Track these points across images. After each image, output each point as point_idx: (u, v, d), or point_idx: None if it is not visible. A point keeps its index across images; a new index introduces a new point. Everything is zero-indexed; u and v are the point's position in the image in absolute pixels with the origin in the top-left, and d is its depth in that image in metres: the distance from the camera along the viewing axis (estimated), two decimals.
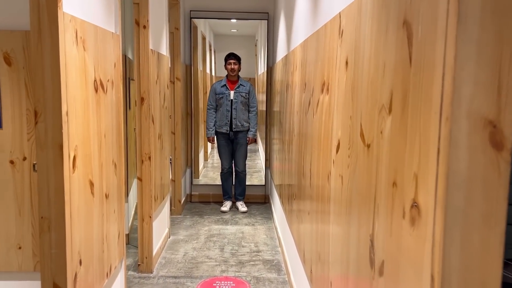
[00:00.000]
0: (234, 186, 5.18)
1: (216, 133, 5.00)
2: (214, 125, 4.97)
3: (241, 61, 5.00)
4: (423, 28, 0.86)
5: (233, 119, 4.93)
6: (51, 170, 1.60)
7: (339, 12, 1.59)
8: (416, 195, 0.88)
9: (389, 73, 1.05)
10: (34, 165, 1.63)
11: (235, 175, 5.14)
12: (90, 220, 1.92)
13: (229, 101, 4.92)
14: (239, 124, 4.95)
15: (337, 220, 1.56)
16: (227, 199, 5.13)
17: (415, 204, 0.89)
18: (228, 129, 4.94)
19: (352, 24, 1.41)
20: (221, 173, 5.17)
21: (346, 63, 1.46)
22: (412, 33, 0.91)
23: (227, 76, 5.01)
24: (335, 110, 1.62)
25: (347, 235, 1.41)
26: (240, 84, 4.97)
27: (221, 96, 4.95)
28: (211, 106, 5.00)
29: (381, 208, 1.09)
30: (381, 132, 1.10)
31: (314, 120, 2.07)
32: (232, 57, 4.95)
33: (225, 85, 4.97)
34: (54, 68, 1.57)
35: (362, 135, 1.27)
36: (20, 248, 2.09)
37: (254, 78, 6.24)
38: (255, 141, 5.10)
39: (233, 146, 5.05)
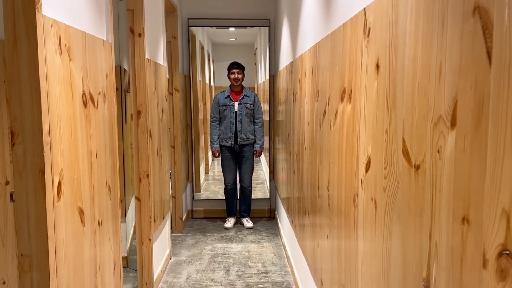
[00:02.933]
0: (238, 201, 4.91)
1: (220, 146, 4.74)
2: (218, 138, 4.72)
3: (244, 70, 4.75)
4: None
5: (238, 132, 4.66)
6: (31, 200, 1.37)
7: (364, 8, 1.37)
8: (508, 239, 0.65)
9: (450, 76, 0.82)
10: (11, 194, 1.40)
11: (240, 191, 4.85)
12: (80, 253, 1.68)
13: (233, 113, 4.66)
14: (245, 137, 4.69)
15: (369, 253, 1.32)
16: (231, 216, 4.87)
17: (507, 251, 0.65)
18: (233, 142, 4.68)
19: (383, 20, 1.18)
20: (224, 189, 4.88)
21: (377, 66, 1.24)
22: (490, 22, 0.69)
23: (230, 86, 4.76)
24: (362, 121, 1.39)
25: (386, 275, 1.16)
26: (245, 95, 4.71)
27: (224, 108, 4.69)
28: (214, 119, 4.75)
29: (442, 249, 0.85)
30: (438, 151, 0.87)
31: (332, 133, 1.84)
32: (235, 66, 4.70)
33: (228, 96, 4.71)
34: (33, 81, 1.35)
35: (405, 153, 1.03)
36: (4, 283, 1.84)
37: (254, 87, 6.03)
38: (260, 154, 4.84)
39: (238, 160, 4.78)
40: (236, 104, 4.67)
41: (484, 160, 0.70)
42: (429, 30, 0.90)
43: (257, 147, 4.75)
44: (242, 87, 4.74)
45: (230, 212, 4.88)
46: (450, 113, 0.82)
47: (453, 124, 0.81)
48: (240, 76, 4.68)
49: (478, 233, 0.73)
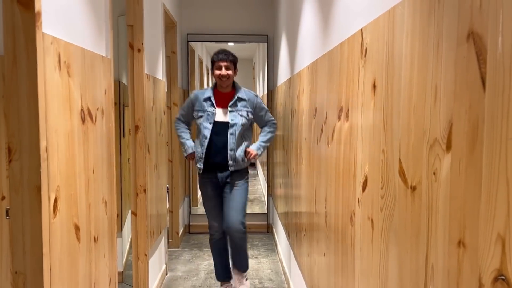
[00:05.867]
0: (230, 251, 3.20)
1: (199, 177, 3.17)
2: (195, 154, 3.11)
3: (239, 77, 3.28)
4: (506, 40, 0.64)
5: (229, 151, 2.98)
6: (27, 217, 1.36)
7: (361, 29, 1.38)
8: (503, 264, 0.65)
9: (445, 99, 0.83)
10: (7, 211, 1.39)
11: (229, 237, 3.08)
12: (75, 271, 1.66)
13: (210, 123, 3.00)
14: (239, 159, 3.03)
15: (366, 272, 1.31)
16: (226, 281, 3.27)
17: (502, 277, 0.65)
18: (202, 164, 3.03)
19: (380, 41, 1.20)
20: (210, 240, 3.21)
21: (374, 86, 1.25)
22: (484, 48, 0.70)
23: (215, 85, 3.11)
24: (359, 140, 1.40)
25: None
26: (239, 97, 3.05)
27: (200, 114, 3.05)
28: (179, 120, 3.22)
29: (438, 271, 0.85)
30: (433, 173, 0.87)
31: (329, 150, 1.84)
32: (223, 56, 3.03)
33: (209, 98, 3.04)
34: (31, 97, 1.35)
35: (402, 173, 1.04)
36: None
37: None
38: (254, 156, 3.07)
39: (223, 191, 3.10)
40: (219, 110, 3.04)
41: (479, 184, 0.71)
42: (425, 54, 0.91)
43: (253, 146, 3.10)
44: (234, 85, 3.13)
45: (223, 276, 3.26)
46: (445, 136, 0.82)
47: (448, 147, 0.81)
48: (230, 72, 3.02)
49: (474, 257, 0.73)
